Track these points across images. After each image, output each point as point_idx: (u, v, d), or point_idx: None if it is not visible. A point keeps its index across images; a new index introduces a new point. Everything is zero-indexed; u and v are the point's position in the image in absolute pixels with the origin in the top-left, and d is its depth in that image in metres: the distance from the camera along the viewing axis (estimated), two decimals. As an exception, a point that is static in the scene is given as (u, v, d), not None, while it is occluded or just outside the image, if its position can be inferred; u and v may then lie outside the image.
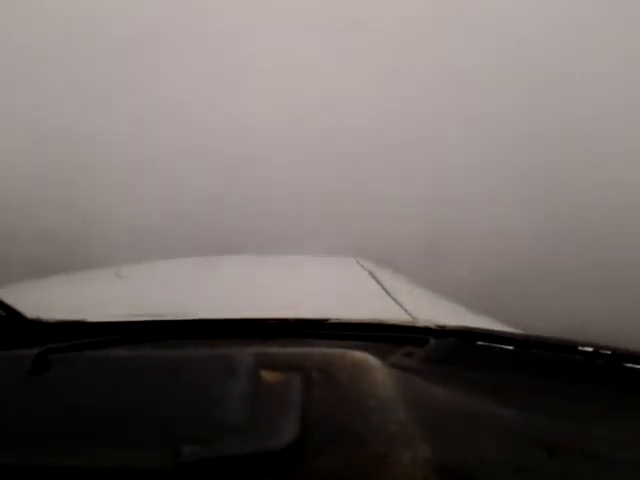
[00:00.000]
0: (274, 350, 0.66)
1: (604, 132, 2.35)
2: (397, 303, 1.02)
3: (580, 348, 0.68)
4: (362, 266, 1.34)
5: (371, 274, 1.25)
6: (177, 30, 2.34)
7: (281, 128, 2.41)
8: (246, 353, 0.62)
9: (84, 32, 2.29)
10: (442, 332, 0.75)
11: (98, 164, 2.40)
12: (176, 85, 2.37)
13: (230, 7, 2.35)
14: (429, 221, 2.46)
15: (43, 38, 2.26)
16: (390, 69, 2.39)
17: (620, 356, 0.67)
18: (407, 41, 2.36)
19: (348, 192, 2.45)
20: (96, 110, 2.33)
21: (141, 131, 2.40)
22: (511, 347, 0.69)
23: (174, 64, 2.36)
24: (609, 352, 0.67)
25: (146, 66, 2.34)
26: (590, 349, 0.67)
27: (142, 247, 2.31)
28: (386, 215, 2.46)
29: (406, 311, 0.97)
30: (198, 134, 2.41)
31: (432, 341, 0.72)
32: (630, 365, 0.66)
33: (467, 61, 2.35)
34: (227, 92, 2.39)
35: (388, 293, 1.10)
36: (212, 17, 2.35)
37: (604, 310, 2.29)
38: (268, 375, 0.59)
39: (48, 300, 1.00)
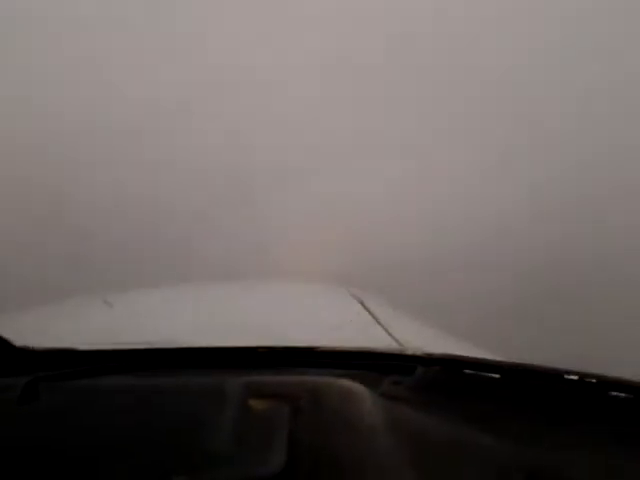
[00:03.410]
0: (263, 379, 0.66)
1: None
2: (387, 332, 1.03)
3: (566, 376, 0.69)
4: (352, 295, 1.34)
5: (361, 303, 1.25)
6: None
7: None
8: (235, 382, 0.62)
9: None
10: (430, 360, 0.75)
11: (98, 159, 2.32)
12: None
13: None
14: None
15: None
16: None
17: (605, 384, 0.68)
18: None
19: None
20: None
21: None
22: (497, 375, 0.70)
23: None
24: (594, 380, 0.68)
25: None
26: (575, 377, 0.68)
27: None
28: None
29: (395, 340, 0.98)
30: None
31: (419, 369, 0.72)
32: (615, 393, 0.67)
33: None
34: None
35: (378, 321, 1.10)
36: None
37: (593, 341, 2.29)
38: (257, 404, 0.59)
39: (36, 328, 1.00)
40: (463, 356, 0.78)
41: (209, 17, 2.19)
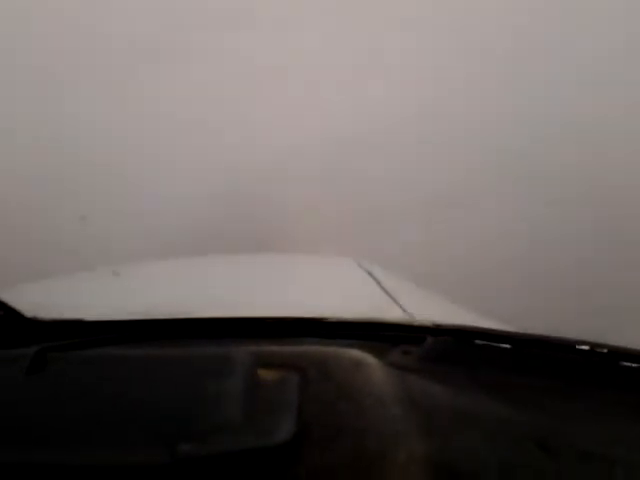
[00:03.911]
0: (271, 349, 0.66)
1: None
2: (395, 302, 1.02)
3: (577, 346, 0.68)
4: (361, 266, 1.34)
5: (370, 274, 1.25)
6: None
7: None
8: (243, 351, 0.62)
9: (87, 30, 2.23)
10: (439, 330, 0.75)
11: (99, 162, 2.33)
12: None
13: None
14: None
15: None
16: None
17: (616, 354, 0.67)
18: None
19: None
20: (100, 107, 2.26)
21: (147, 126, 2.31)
22: (508, 345, 0.69)
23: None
24: (605, 350, 0.67)
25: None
26: (586, 347, 0.68)
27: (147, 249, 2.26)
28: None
29: (404, 310, 0.97)
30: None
31: (429, 339, 0.72)
32: (626, 363, 0.66)
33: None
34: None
35: (387, 292, 1.10)
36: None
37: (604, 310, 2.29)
38: (265, 373, 0.59)
39: (46, 299, 1.00)
40: (473, 326, 0.78)
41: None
